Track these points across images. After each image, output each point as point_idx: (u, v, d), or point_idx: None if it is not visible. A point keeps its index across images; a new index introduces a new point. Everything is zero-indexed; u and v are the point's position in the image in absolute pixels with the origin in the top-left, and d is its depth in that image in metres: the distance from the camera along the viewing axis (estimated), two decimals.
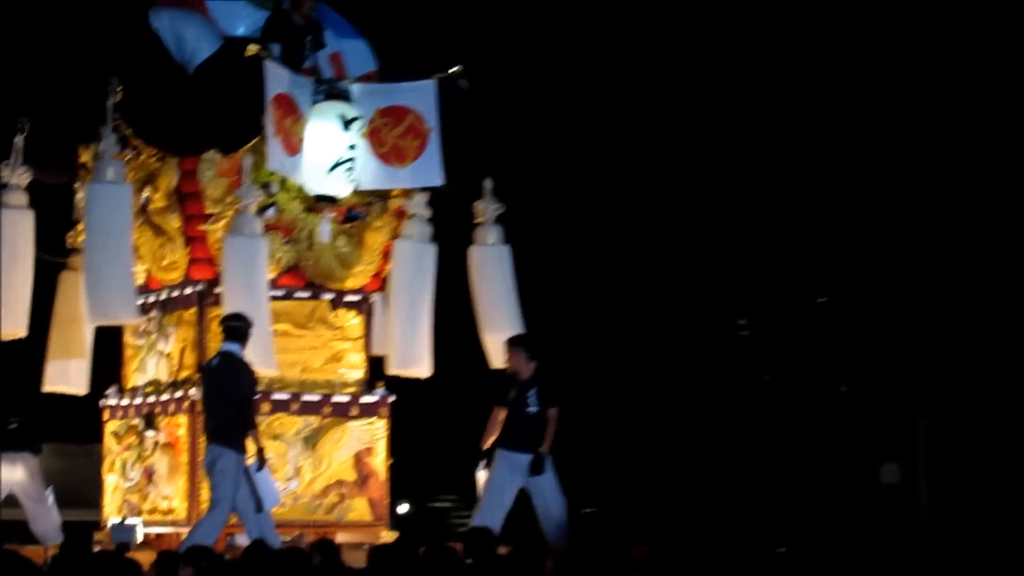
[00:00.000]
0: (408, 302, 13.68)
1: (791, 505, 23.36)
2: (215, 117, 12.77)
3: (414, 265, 13.72)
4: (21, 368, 14.33)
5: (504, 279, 14.05)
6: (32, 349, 14.02)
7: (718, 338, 27.96)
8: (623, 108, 22.36)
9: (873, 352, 24.61)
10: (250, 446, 11.83)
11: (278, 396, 13.29)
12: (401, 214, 13.85)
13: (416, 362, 13.78)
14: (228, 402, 11.81)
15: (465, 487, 28.25)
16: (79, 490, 15.57)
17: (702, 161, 23.66)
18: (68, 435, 16.57)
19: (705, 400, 26.94)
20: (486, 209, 14.25)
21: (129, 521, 12.89)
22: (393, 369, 13.78)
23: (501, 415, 12.71)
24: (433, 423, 18.62)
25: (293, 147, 12.86)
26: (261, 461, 11.81)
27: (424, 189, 13.69)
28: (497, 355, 13.49)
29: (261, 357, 12.49)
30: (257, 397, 12.48)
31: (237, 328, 12.08)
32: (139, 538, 12.75)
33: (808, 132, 22.94)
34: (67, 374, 14.11)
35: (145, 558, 10.45)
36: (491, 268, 14.07)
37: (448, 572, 8.36)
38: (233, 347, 12.04)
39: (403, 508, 26.47)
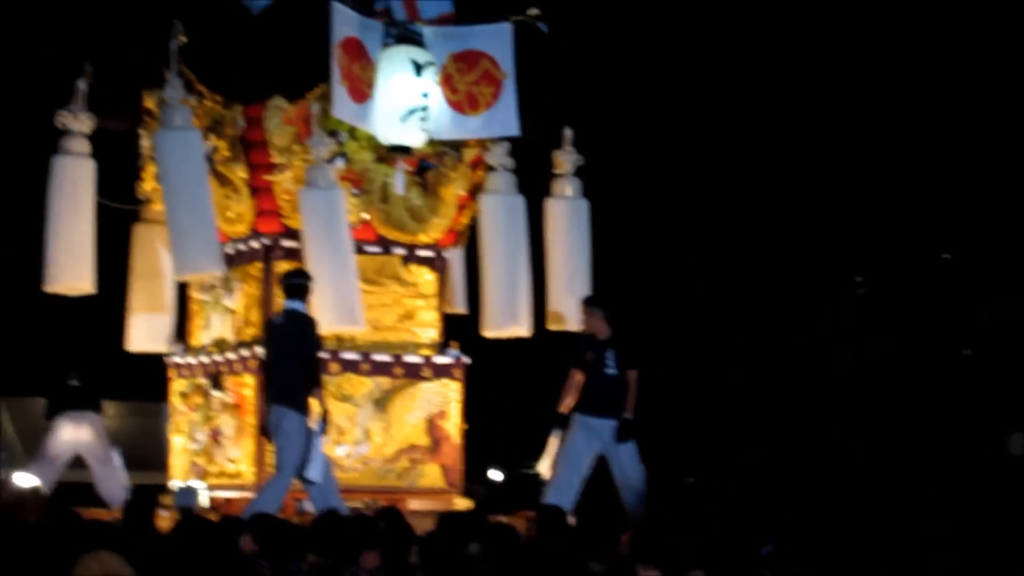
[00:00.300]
0: (503, 259, 13.07)
1: (911, 476, 22.57)
2: (279, 61, 12.21)
3: (505, 219, 13.10)
4: (84, 323, 13.91)
5: (581, 235, 13.38)
6: (95, 303, 13.59)
7: (833, 298, 27.32)
8: (719, 52, 21.62)
9: (1001, 312, 23.60)
10: (314, 407, 11.29)
11: (347, 356, 12.71)
12: (476, 165, 13.21)
13: (516, 321, 13.14)
14: (293, 361, 11.28)
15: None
16: (147, 451, 15.06)
17: (812, 103, 22.91)
18: (134, 393, 16.14)
19: (817, 364, 26.32)
20: (565, 160, 13.56)
21: (192, 484, 12.40)
22: (490, 330, 13.18)
23: (578, 377, 12.11)
24: (511, 386, 17.97)
25: (362, 94, 12.25)
26: (325, 423, 11.27)
27: (501, 138, 13.02)
28: (566, 316, 12.90)
29: (348, 314, 12.04)
30: (323, 356, 11.94)
31: (300, 285, 11.59)
32: (203, 502, 12.25)
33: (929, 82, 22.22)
34: (151, 332, 13.69)
35: None
36: (568, 223, 13.39)
37: (511, 548, 7.76)
38: (296, 304, 11.55)
39: (496, 474, 26.03)
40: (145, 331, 13.72)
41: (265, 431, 11.55)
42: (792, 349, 26.16)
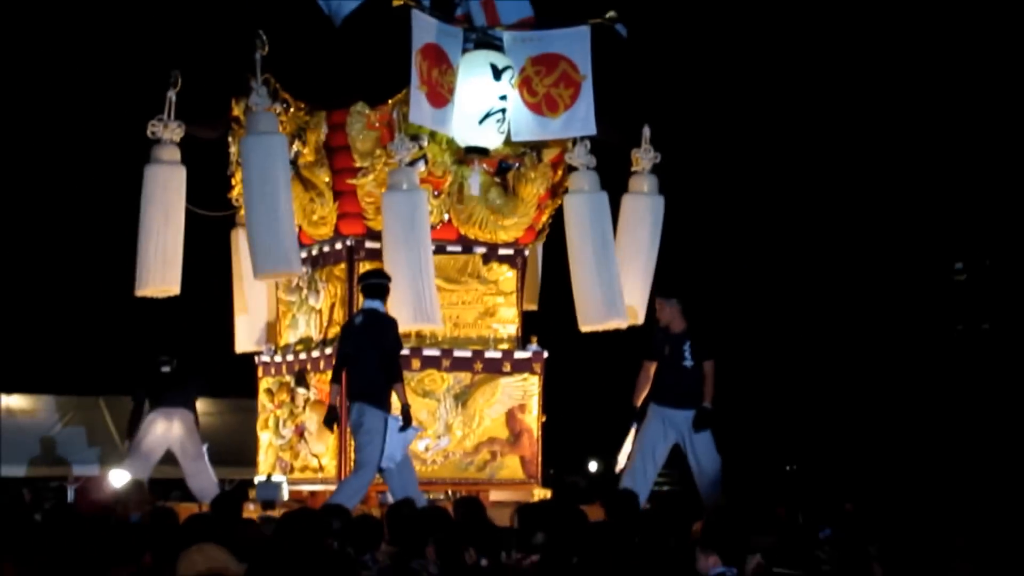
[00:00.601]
0: (594, 255, 13.30)
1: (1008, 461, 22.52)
2: (361, 68, 12.54)
3: (591, 217, 13.35)
4: (179, 325, 14.38)
5: (655, 231, 13.65)
6: (187, 305, 14.05)
7: (931, 284, 27.28)
8: (796, 43, 21.77)
9: None
10: (396, 402, 11.64)
11: (429, 352, 13.08)
12: (556, 165, 13.52)
13: (615, 313, 13.33)
14: (373, 359, 11.60)
15: None
16: (244, 448, 15.49)
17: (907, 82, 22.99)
18: (233, 390, 16.59)
19: (918, 351, 26.31)
20: (643, 157, 13.83)
21: (275, 479, 12.77)
22: (589, 325, 13.41)
23: (651, 369, 12.42)
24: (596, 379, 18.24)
25: (441, 98, 12.59)
26: (407, 419, 11.59)
27: (582, 138, 13.32)
28: (640, 310, 13.18)
29: (426, 312, 12.35)
30: (403, 354, 12.30)
31: (379, 285, 11.91)
32: (285, 496, 12.62)
33: None
34: (254, 333, 14.11)
35: None
36: (644, 219, 13.67)
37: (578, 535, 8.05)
38: (375, 303, 11.86)
39: (593, 465, 26.26)
40: (248, 332, 14.16)
41: (329, 420, 11.87)
42: (893, 337, 26.17)
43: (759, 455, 24.73)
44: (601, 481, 24.04)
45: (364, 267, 12.88)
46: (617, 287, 13.22)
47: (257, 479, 13.10)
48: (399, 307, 12.21)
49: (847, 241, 25.60)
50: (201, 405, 14.41)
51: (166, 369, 13.72)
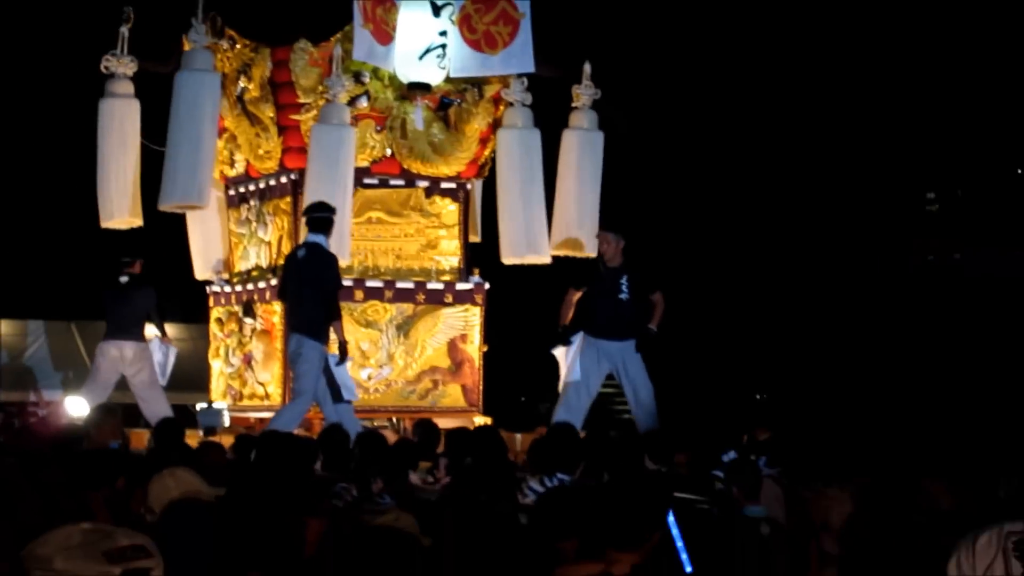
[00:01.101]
0: (519, 191, 13.69)
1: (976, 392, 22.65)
2: (303, 6, 12.82)
3: (521, 153, 13.70)
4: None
5: (594, 166, 13.95)
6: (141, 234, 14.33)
7: (904, 213, 27.39)
8: None
9: None
10: (333, 337, 11.97)
11: (372, 284, 13.43)
12: (498, 101, 13.82)
13: (534, 249, 13.79)
14: (314, 294, 11.89)
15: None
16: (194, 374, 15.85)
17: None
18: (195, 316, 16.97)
19: (889, 282, 26.49)
20: (583, 94, 14.12)
21: (216, 405, 13.16)
22: (509, 258, 13.82)
23: (575, 296, 12.69)
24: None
25: (385, 35, 12.87)
26: (343, 354, 11.92)
27: (520, 75, 13.61)
28: (580, 242, 13.53)
29: (336, 246, 12.55)
30: (347, 285, 12.64)
31: (322, 219, 12.09)
32: (226, 422, 13.00)
33: None
34: (210, 262, 14.47)
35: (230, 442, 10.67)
36: (582, 154, 13.96)
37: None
38: (318, 238, 12.06)
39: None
40: (205, 261, 14.49)
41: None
42: (863, 268, 26.32)
43: (730, 383, 25.07)
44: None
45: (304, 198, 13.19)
46: (540, 224, 13.61)
47: (199, 406, 13.48)
48: None
49: (815, 171, 25.75)
50: (171, 330, 14.72)
51: (124, 279, 13.95)
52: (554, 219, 13.85)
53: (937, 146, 26.19)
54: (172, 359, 13.64)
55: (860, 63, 23.85)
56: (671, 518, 7.52)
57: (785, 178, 25.16)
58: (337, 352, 11.94)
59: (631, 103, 15.06)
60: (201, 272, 14.56)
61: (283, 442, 9.08)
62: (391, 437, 11.04)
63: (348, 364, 12.12)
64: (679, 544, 6.51)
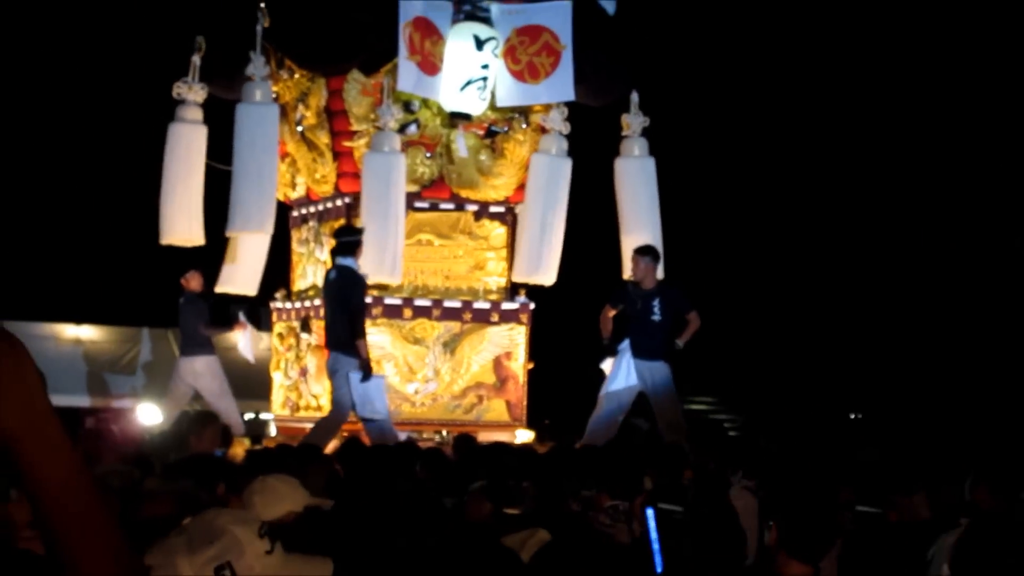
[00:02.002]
0: (540, 214, 14.26)
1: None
2: (355, 40, 13.49)
3: (548, 178, 14.27)
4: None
5: (648, 191, 14.49)
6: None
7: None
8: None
9: None
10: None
11: (420, 303, 14.09)
12: (544, 130, 14.42)
13: (542, 271, 14.35)
14: (344, 313, 12.63)
15: (723, 388, 28.74)
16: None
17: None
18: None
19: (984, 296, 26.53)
20: (632, 122, 14.68)
21: (263, 416, 13.90)
22: (519, 276, 14.42)
23: (610, 313, 13.28)
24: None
25: (432, 67, 13.50)
26: (366, 372, 12.56)
27: (561, 104, 14.20)
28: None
29: (389, 267, 13.28)
30: (395, 303, 13.35)
31: (350, 243, 12.83)
32: (272, 432, 13.73)
33: None
34: (247, 278, 15.16)
35: None
36: (635, 180, 14.51)
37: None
38: (347, 261, 12.79)
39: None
40: (242, 276, 15.17)
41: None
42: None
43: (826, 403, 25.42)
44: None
45: (361, 222, 13.89)
46: (552, 248, 14.19)
47: (246, 416, 14.24)
48: (368, 261, 13.18)
49: (914, 191, 25.88)
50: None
51: (181, 299, 14.79)
52: (622, 245, 14.40)
53: None
54: (250, 338, 14.51)
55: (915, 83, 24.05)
56: (651, 519, 8.07)
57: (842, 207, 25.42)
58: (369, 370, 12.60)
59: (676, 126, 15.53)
60: (223, 285, 15.09)
61: (390, 454, 9.52)
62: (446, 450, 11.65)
63: (382, 381, 12.77)
64: (655, 545, 7.03)
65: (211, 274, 14.94)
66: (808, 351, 26.18)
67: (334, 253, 12.99)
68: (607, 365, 13.50)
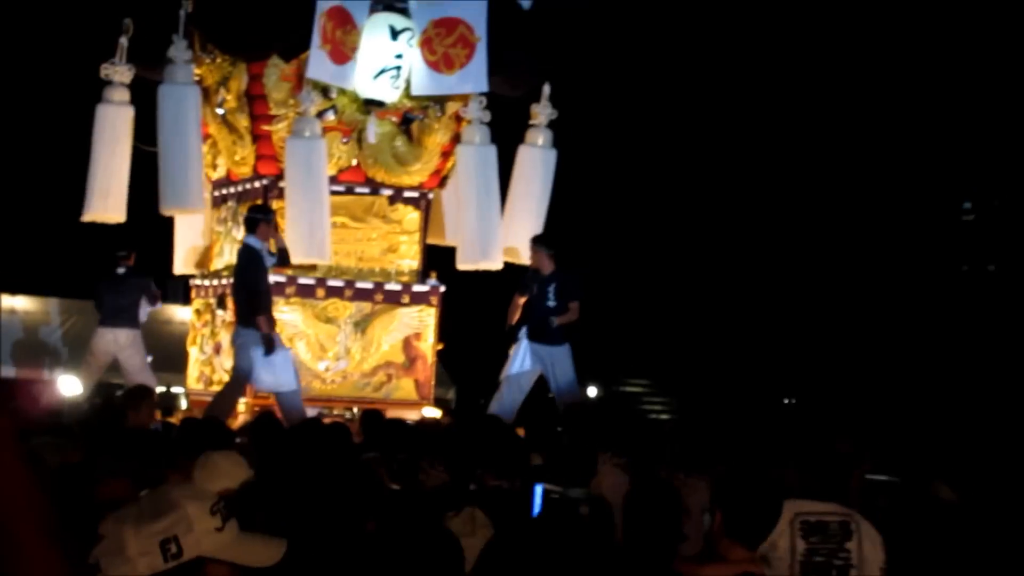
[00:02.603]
0: (475, 203, 14.72)
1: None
2: (274, 26, 13.92)
3: (477, 167, 14.73)
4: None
5: (544, 181, 15.01)
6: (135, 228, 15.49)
7: (939, 223, 27.84)
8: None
9: None
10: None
11: (333, 283, 14.55)
12: (459, 118, 14.89)
13: (486, 256, 14.82)
14: (243, 290, 13.16)
15: (657, 372, 29.25)
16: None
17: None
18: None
19: (924, 291, 27.07)
20: (541, 112, 15.19)
21: (174, 390, 14.34)
22: (464, 264, 14.88)
23: (520, 300, 13.82)
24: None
25: (343, 56, 13.95)
26: (267, 347, 13.02)
27: (479, 95, 14.68)
28: (521, 251, 14.55)
29: (318, 248, 13.73)
30: (308, 283, 13.83)
31: (250, 219, 13.36)
32: (183, 405, 14.17)
33: None
34: (191, 259, 15.70)
35: None
36: (533, 169, 15.03)
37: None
38: (250, 239, 13.31)
39: (592, 391, 27.44)
40: (185, 257, 15.72)
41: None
42: (899, 276, 26.86)
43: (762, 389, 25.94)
44: (603, 404, 25.36)
45: (277, 204, 14.34)
46: (494, 234, 14.62)
47: (158, 389, 14.68)
48: (295, 242, 13.71)
49: (854, 179, 26.40)
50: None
51: (121, 270, 15.18)
52: (503, 227, 14.90)
53: (973, 155, 26.64)
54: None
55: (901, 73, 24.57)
56: (537, 495, 8.55)
57: (816, 191, 26.01)
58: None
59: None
60: (181, 267, 15.73)
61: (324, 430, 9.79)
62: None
63: (289, 354, 13.23)
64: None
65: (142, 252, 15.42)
66: (743, 336, 26.73)
67: (244, 229, 13.44)
68: (512, 350, 14.06)
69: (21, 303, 19.19)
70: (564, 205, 15.34)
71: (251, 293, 13.16)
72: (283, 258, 13.73)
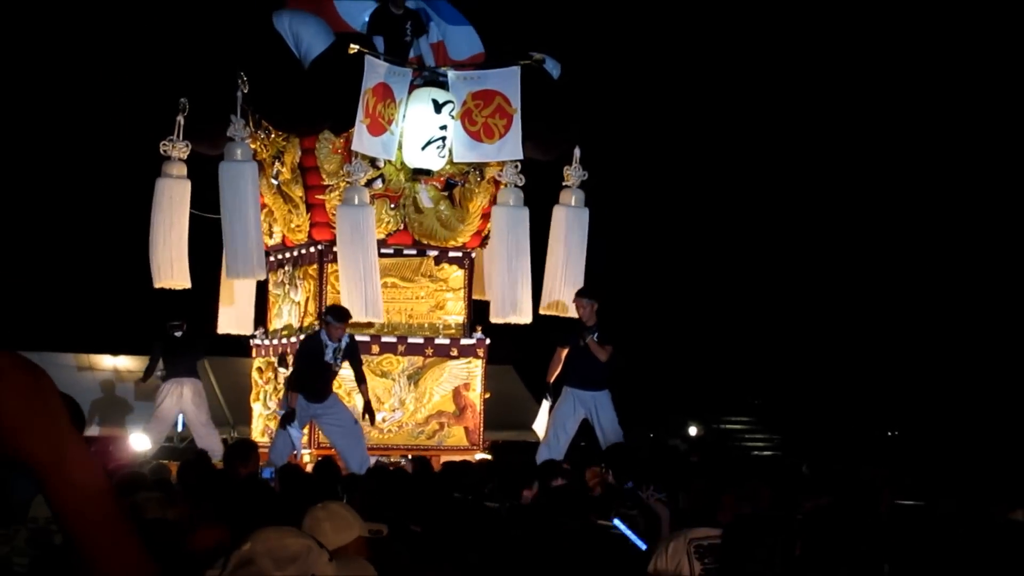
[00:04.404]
0: (507, 260, 15.78)
1: None
2: (325, 104, 14.99)
3: (510, 227, 15.80)
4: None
5: (579, 238, 16.05)
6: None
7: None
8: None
9: None
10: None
11: (387, 339, 15.59)
12: (497, 182, 15.95)
13: (516, 311, 15.87)
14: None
15: (759, 410, 29.92)
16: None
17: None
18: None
19: None
20: (572, 174, 16.25)
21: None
22: (497, 317, 15.93)
23: (561, 354, 14.81)
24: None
25: (379, 127, 14.98)
26: (284, 419, 14.30)
27: (512, 160, 15.73)
28: (563, 304, 15.56)
29: (371, 307, 14.79)
30: (362, 340, 14.99)
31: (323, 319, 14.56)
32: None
33: None
34: (239, 319, 16.75)
35: None
36: (569, 227, 16.07)
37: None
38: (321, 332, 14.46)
39: (693, 430, 28.31)
40: (231, 318, 16.79)
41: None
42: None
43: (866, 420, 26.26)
44: (700, 444, 26.16)
45: (331, 268, 15.40)
46: (522, 289, 15.69)
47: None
48: (350, 303, 14.74)
49: (952, 205, 26.77)
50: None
51: (178, 334, 16.29)
52: (544, 283, 15.95)
53: None
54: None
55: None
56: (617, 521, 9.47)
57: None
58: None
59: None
60: (224, 326, 16.78)
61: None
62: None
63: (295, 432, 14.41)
64: (631, 536, 8.46)
65: (197, 313, 16.47)
66: (846, 369, 27.19)
67: None
68: (546, 405, 15.08)
69: (123, 363, 19.88)
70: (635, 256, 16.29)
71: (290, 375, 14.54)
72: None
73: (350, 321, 14.48)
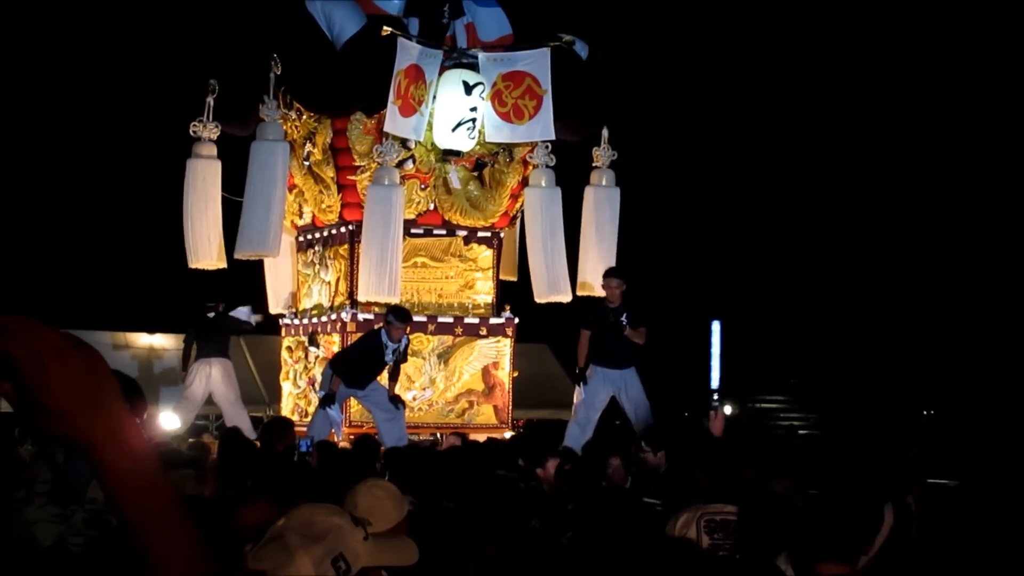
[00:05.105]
0: (543, 241, 15.96)
1: None
2: (357, 85, 15.13)
3: (544, 208, 15.98)
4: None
5: (611, 217, 16.16)
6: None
7: None
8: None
9: None
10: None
11: (417, 319, 15.69)
12: (526, 162, 16.07)
13: (558, 290, 16.05)
14: None
15: (794, 389, 29.97)
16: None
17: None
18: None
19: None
20: (602, 155, 16.37)
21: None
22: (540, 298, 16.09)
23: (586, 337, 14.89)
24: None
25: (410, 108, 15.12)
26: (323, 400, 14.42)
27: (543, 141, 15.84)
28: (594, 284, 15.65)
29: (388, 287, 14.91)
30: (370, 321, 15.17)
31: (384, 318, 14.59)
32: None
33: None
34: (282, 299, 17.01)
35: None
36: (599, 207, 16.19)
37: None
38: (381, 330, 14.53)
39: (728, 409, 28.20)
40: (277, 298, 16.95)
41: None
42: None
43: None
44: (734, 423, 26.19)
45: (361, 248, 15.50)
46: (560, 268, 15.84)
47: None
48: (367, 280, 14.94)
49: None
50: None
51: (211, 315, 16.42)
52: (579, 264, 16.07)
53: None
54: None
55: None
56: None
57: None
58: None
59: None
60: (275, 307, 16.98)
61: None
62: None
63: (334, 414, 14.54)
64: None
65: (226, 293, 16.62)
66: (882, 348, 27.21)
67: None
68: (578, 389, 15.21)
69: (159, 340, 20.00)
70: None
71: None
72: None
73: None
